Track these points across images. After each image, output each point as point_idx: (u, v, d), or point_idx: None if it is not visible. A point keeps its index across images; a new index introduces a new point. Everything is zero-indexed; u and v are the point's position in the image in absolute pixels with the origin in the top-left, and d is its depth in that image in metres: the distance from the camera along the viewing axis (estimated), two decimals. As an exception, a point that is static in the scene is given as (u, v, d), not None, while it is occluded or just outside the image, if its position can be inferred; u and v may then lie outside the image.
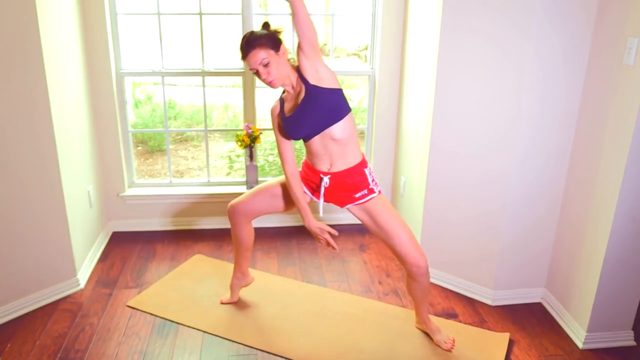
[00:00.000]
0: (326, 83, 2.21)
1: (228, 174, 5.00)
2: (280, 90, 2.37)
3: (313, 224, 2.42)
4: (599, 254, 2.48)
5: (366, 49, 3.68)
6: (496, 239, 2.83)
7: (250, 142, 3.57)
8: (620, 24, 2.32)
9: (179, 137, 5.93)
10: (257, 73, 2.23)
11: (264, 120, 4.89)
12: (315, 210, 2.58)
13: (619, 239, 2.42)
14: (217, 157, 5.55)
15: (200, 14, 3.44)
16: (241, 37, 2.26)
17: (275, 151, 5.30)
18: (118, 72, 3.44)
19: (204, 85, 3.67)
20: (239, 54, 2.24)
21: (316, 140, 2.31)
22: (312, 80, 2.20)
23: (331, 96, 2.22)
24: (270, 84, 2.22)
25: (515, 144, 2.65)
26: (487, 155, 2.75)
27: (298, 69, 2.25)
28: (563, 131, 2.66)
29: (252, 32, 2.24)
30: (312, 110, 2.23)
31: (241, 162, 4.69)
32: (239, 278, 2.84)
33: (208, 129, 3.90)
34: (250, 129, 3.55)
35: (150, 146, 5.66)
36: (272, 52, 2.19)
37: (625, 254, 2.46)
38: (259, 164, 3.89)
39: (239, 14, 3.44)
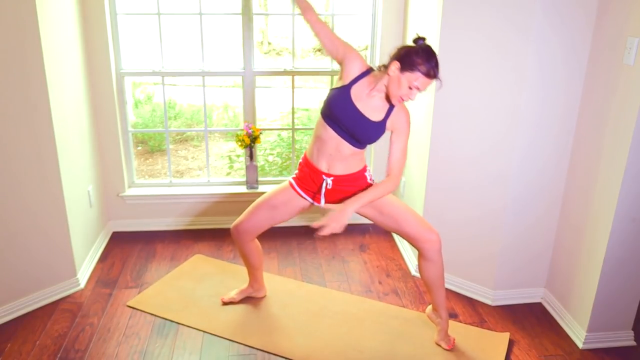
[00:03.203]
0: (387, 131, 2.30)
1: (228, 174, 5.00)
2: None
3: None
4: (599, 254, 2.48)
5: (366, 48, 3.68)
6: (496, 239, 2.83)
7: (250, 142, 3.57)
8: (620, 24, 2.32)
9: (179, 137, 5.93)
10: (409, 91, 2.15)
11: (264, 120, 4.91)
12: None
13: (619, 239, 2.42)
14: (217, 157, 5.55)
15: (200, 14, 3.44)
16: (433, 53, 2.14)
17: (275, 151, 5.31)
18: (118, 72, 3.44)
19: (204, 85, 3.67)
20: (433, 70, 2.12)
21: (333, 135, 2.30)
22: (388, 124, 2.28)
23: (375, 137, 2.31)
24: (401, 102, 2.21)
25: (515, 144, 2.65)
26: (487, 156, 2.75)
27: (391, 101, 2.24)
28: (563, 131, 2.66)
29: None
30: (360, 128, 2.25)
31: (241, 162, 4.69)
32: (255, 289, 2.90)
33: (208, 129, 3.90)
34: (250, 129, 3.55)
35: (150, 146, 5.66)
36: None
37: (625, 254, 2.46)
38: (259, 164, 3.89)
39: (239, 14, 3.44)
